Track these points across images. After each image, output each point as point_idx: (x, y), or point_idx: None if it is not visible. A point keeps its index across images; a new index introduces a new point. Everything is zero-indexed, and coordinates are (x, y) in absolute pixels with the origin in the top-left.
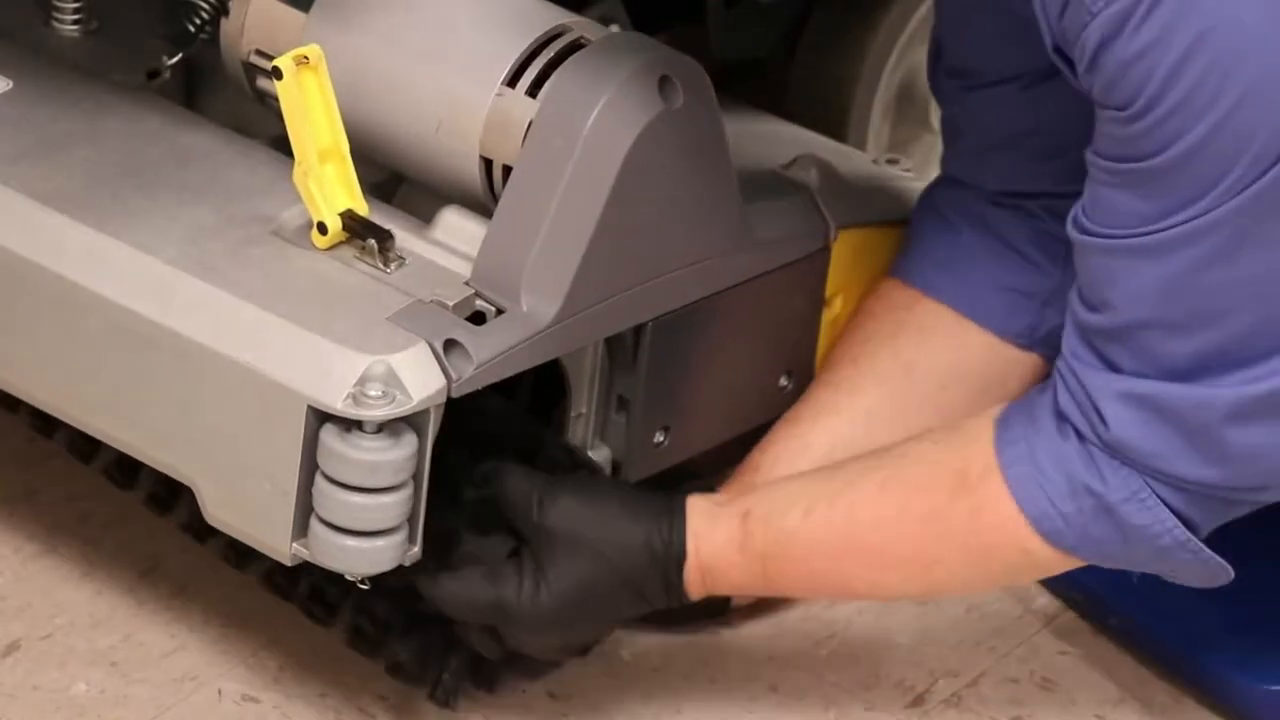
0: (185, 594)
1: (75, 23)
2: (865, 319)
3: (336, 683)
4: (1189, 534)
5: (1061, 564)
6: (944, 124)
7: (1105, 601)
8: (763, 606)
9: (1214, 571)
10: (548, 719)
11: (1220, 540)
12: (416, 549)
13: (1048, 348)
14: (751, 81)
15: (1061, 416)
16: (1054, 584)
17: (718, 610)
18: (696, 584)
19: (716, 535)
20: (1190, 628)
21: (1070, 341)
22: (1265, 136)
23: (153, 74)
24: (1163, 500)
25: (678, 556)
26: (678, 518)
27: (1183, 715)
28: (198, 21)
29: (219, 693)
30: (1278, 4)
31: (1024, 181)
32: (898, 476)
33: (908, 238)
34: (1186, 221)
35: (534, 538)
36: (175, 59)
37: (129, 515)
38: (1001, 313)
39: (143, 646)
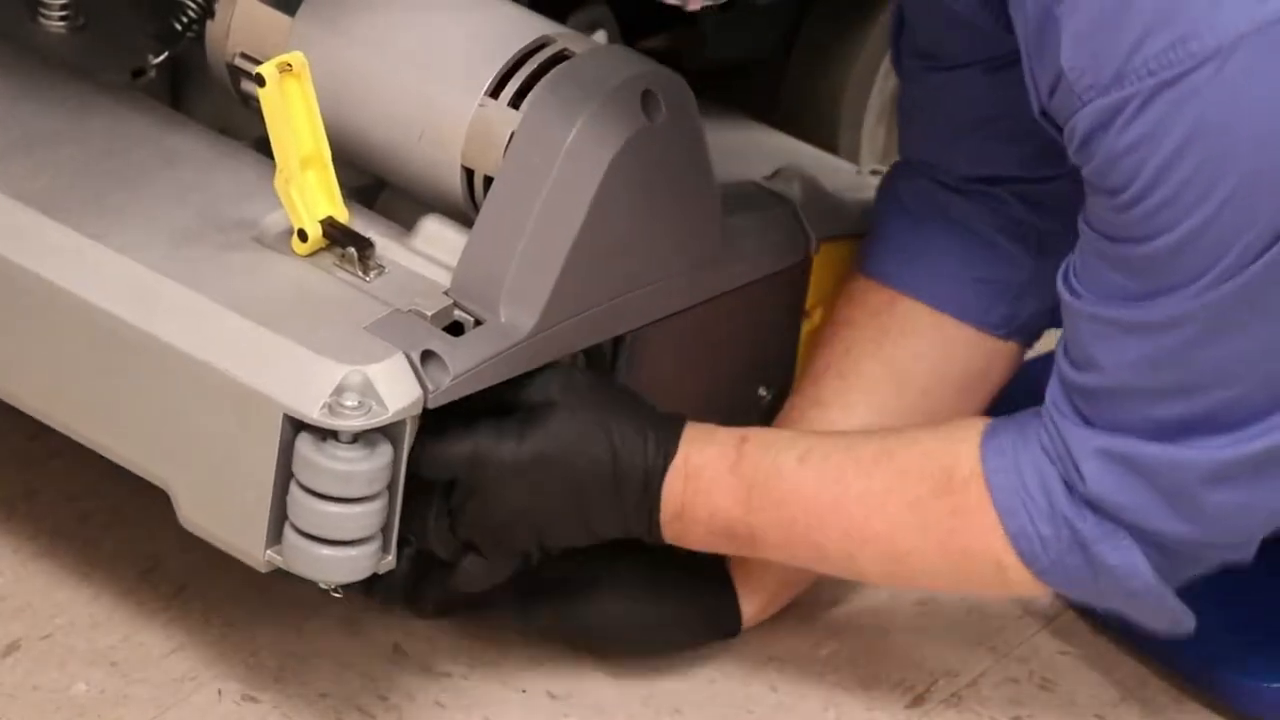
0: (185, 594)
1: (62, 20)
2: (844, 328)
3: (336, 683)
4: (1160, 581)
5: (1032, 587)
6: (904, 104)
7: None
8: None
9: (1178, 618)
10: (548, 719)
11: None
12: (390, 557)
13: (1026, 335)
14: (745, 84)
15: (1046, 437)
16: None
17: (731, 631)
18: (676, 494)
19: (710, 449)
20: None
21: (1053, 392)
22: (1254, 230)
23: (138, 72)
24: (1138, 545)
25: (667, 453)
26: (678, 422)
27: (1183, 715)
28: (184, 20)
29: (219, 693)
30: (1266, 102)
31: (992, 166)
32: (893, 455)
33: (874, 232)
34: (1174, 304)
35: (534, 404)
36: (161, 58)
37: (129, 515)
38: (979, 306)
39: (143, 646)
